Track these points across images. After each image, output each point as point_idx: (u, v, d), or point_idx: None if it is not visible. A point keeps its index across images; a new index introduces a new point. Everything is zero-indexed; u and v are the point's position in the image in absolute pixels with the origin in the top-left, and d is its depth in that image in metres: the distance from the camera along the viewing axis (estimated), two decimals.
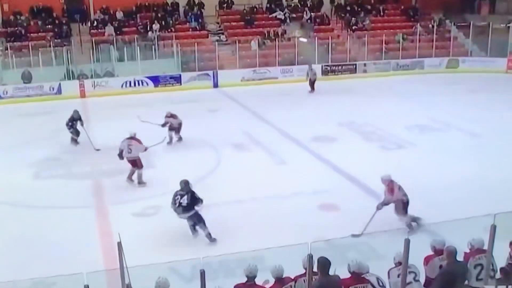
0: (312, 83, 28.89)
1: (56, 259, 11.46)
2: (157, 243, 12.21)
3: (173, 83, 31.03)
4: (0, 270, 10.92)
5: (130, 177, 16.14)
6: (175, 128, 19.76)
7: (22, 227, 13.38)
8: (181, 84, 31.02)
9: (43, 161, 18.57)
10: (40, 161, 18.53)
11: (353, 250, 10.39)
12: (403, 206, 12.30)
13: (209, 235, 12.12)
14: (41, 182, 16.84)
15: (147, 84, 30.60)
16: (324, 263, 7.50)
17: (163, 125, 19.44)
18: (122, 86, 30.12)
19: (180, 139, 19.95)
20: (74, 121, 19.96)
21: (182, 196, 12.11)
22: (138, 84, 30.45)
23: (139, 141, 16.28)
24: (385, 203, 12.28)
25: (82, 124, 19.92)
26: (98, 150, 19.49)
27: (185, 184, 12.33)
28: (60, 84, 29.41)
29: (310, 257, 7.36)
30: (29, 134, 21.47)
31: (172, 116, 19.65)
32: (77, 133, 20.03)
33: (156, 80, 30.80)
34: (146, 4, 36.34)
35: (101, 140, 20.58)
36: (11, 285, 9.09)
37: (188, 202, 12.03)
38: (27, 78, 29.60)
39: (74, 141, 20.10)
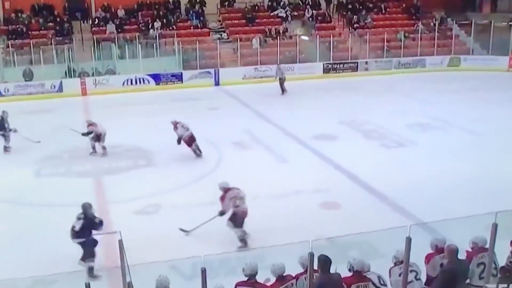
0: (281, 84, 28.35)
1: (57, 257, 11.46)
2: (158, 241, 12.15)
3: (174, 81, 31.03)
4: (1, 268, 10.92)
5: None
6: (98, 136, 18.61)
7: (22, 225, 13.37)
8: (182, 82, 31.01)
9: (43, 159, 18.55)
10: (41, 159, 18.51)
11: (354, 248, 10.35)
12: (234, 218, 11.84)
13: (90, 270, 10.90)
14: (41, 180, 16.83)
15: (149, 82, 30.60)
16: (325, 261, 7.48)
17: (87, 134, 18.62)
18: (123, 84, 30.11)
19: (104, 148, 18.73)
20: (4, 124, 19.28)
21: (78, 219, 11.17)
22: (140, 82, 30.45)
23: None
24: (221, 211, 11.97)
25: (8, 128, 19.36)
26: (38, 142, 19.54)
27: (85, 209, 11.19)
28: (61, 82, 29.42)
29: (311, 255, 7.33)
30: (31, 132, 21.29)
31: (92, 124, 18.72)
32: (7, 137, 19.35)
33: (157, 78, 30.81)
34: (148, 2, 36.29)
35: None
36: (11, 283, 9.00)
37: (80, 228, 11.01)
38: (28, 76, 29.60)
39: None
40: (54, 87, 29.24)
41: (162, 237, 12.42)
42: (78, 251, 11.44)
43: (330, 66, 33.40)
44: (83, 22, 34.60)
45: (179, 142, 18.02)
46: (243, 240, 11.76)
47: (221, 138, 19.98)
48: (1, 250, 12.07)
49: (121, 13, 35.25)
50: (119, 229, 9.39)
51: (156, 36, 33.14)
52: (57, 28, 33.25)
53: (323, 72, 32.84)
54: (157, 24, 34.15)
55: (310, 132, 20.37)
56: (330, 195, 14.50)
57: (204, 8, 36.80)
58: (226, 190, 12.10)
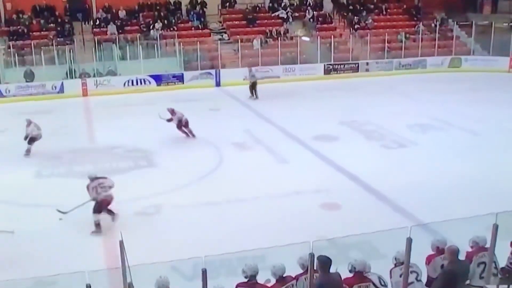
0: (251, 87, 27.81)
1: (58, 258, 11.46)
2: (158, 241, 12.17)
3: (175, 82, 31.02)
4: (1, 269, 10.93)
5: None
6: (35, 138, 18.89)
7: (22, 226, 13.32)
8: (183, 83, 31.00)
9: (44, 159, 18.52)
10: (42, 159, 18.49)
11: (355, 249, 10.37)
12: (96, 204, 12.84)
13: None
14: (42, 180, 16.83)
15: (150, 82, 30.59)
16: (325, 262, 7.48)
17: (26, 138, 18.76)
18: (124, 85, 30.10)
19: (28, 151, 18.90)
20: None
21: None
22: (141, 83, 30.44)
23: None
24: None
25: None
26: None
27: None
28: (62, 83, 29.40)
29: (312, 255, 7.34)
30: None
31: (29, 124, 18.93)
32: None
33: (158, 78, 30.79)
34: (149, 3, 36.28)
35: (102, 138, 20.63)
36: (11, 284, 8.96)
37: None
38: (29, 76, 29.60)
39: None
40: (55, 88, 29.20)
41: (163, 237, 12.41)
42: (80, 250, 11.67)
43: (331, 67, 33.38)
44: (84, 23, 34.55)
45: (179, 126, 19.87)
46: (98, 225, 12.84)
47: (221, 139, 19.98)
48: (1, 251, 12.04)
49: (122, 14, 35.25)
50: (119, 229, 9.42)
51: (157, 37, 33.13)
52: (58, 29, 33.26)
53: (324, 73, 32.83)
54: (158, 25, 34.16)
55: (310, 133, 20.38)
56: (330, 196, 14.51)
57: (205, 9, 36.78)
58: (91, 179, 13.02)
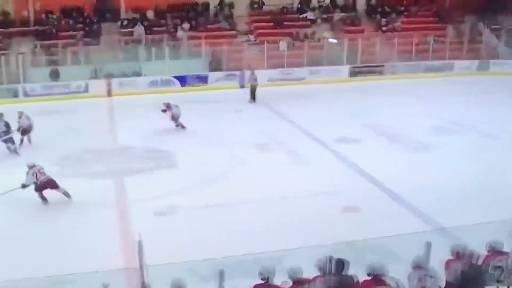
0: (252, 91, 27.51)
1: (76, 257, 11.56)
2: (176, 242, 12.17)
3: (200, 83, 30.92)
4: (19, 267, 10.99)
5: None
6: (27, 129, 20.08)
7: (42, 225, 13.47)
8: (207, 84, 30.91)
9: (65, 159, 18.60)
10: (63, 159, 18.56)
11: (373, 252, 10.19)
12: (37, 187, 14.80)
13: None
14: (62, 180, 16.81)
15: (174, 83, 30.55)
16: (341, 264, 7.51)
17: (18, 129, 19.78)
18: (149, 85, 30.10)
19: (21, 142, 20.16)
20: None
21: None
22: (165, 83, 30.41)
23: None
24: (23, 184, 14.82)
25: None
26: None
27: None
28: (87, 83, 29.51)
29: (330, 258, 7.38)
30: (54, 132, 21.51)
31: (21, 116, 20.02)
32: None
33: (183, 79, 30.71)
34: (177, 4, 36.21)
35: (124, 138, 20.71)
36: (29, 282, 9.10)
37: None
38: (55, 76, 29.79)
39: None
40: (80, 87, 29.36)
41: (180, 238, 12.41)
42: (98, 250, 11.79)
43: (357, 69, 33.09)
44: (112, 24, 34.69)
45: (175, 119, 21.56)
46: (44, 199, 14.90)
47: (243, 140, 19.97)
48: (20, 249, 12.14)
49: (150, 14, 35.29)
50: (138, 229, 9.39)
51: (183, 38, 33.11)
52: (86, 29, 33.41)
53: (350, 75, 32.53)
54: (185, 26, 34.13)
55: (332, 135, 20.23)
56: (350, 199, 14.40)
57: (232, 10, 36.72)
58: (29, 167, 14.88)
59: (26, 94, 28.64)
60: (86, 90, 29.28)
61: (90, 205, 14.53)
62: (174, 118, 21.71)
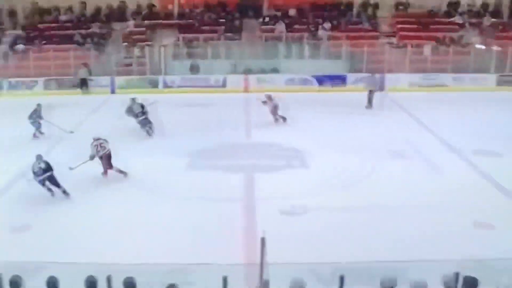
0: (370, 95, 26.08)
1: (199, 247, 11.78)
2: (300, 242, 12.03)
3: (338, 84, 30.40)
4: (144, 254, 11.36)
5: None
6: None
7: (166, 215, 13.68)
8: (346, 85, 30.35)
9: (199, 151, 18.87)
10: (197, 151, 18.84)
11: (507, 274, 9.27)
12: (101, 160, 16.08)
13: None
14: (193, 172, 17.09)
15: (311, 83, 30.26)
16: (471, 283, 7.03)
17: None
18: (286, 83, 30.02)
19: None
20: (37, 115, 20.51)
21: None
22: (302, 82, 30.20)
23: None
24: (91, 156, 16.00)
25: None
26: (71, 132, 20.32)
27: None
28: (225, 77, 29.98)
29: (457, 274, 7.04)
30: (190, 124, 22.00)
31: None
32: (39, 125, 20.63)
33: (321, 79, 30.37)
34: (320, 3, 35.93)
35: (259, 135, 20.81)
36: (149, 267, 9.38)
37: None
38: (194, 69, 30.47)
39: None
40: (218, 82, 29.83)
41: (305, 238, 12.22)
42: (221, 243, 12.00)
43: (505, 78, 31.22)
44: (254, 20, 34.98)
45: (273, 112, 22.03)
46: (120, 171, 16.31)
47: (378, 145, 19.31)
48: (144, 237, 12.46)
49: (292, 12, 35.26)
50: (262, 226, 9.25)
51: (324, 38, 32.75)
52: (228, 24, 33.88)
53: (497, 83, 30.79)
54: (327, 25, 33.73)
55: (472, 146, 18.94)
56: (484, 214, 13.43)
57: (376, 11, 35.91)
58: (94, 139, 16.10)
59: (166, 85, 29.51)
60: (224, 84, 29.81)
61: (217, 198, 14.56)
62: (275, 110, 21.98)
